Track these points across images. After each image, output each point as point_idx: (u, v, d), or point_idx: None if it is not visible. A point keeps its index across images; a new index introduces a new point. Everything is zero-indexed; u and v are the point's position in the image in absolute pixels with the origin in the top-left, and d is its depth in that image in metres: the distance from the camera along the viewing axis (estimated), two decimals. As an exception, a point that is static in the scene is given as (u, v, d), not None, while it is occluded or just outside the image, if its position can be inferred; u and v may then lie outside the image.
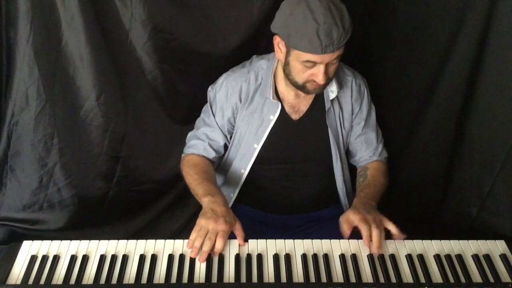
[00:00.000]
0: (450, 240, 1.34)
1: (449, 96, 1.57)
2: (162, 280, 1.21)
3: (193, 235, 1.29)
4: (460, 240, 1.35)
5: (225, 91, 1.55)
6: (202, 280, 1.21)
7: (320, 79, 1.37)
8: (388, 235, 1.34)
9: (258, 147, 1.57)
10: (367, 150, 1.65)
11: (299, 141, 1.58)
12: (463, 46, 1.46)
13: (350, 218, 1.35)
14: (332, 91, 1.53)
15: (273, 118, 1.54)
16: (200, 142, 1.60)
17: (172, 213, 1.94)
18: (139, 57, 1.58)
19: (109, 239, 1.32)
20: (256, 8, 1.59)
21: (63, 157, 1.64)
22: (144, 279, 1.21)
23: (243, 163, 1.60)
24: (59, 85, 1.55)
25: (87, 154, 1.67)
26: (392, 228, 1.34)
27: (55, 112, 1.58)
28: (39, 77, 1.51)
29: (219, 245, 1.27)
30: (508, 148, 1.41)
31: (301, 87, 1.44)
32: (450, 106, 1.58)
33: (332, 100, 1.55)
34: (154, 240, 1.32)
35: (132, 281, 1.21)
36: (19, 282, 1.20)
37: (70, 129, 1.62)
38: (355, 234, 1.36)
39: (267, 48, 1.71)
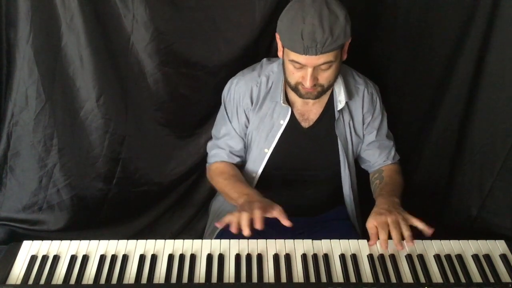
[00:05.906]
0: (450, 240, 1.34)
1: (455, 98, 1.57)
2: (162, 280, 1.21)
3: (231, 222, 1.28)
4: (460, 240, 1.34)
5: (236, 96, 1.55)
6: (202, 280, 1.21)
7: (307, 83, 1.36)
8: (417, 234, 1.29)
9: (268, 152, 1.56)
10: (381, 155, 1.64)
11: (308, 149, 1.58)
12: (469, 47, 1.46)
13: (370, 225, 1.31)
14: (340, 101, 1.51)
15: (284, 123, 1.53)
16: (222, 151, 1.61)
17: (173, 214, 1.93)
18: (140, 59, 1.57)
19: (109, 239, 1.32)
20: (259, 10, 1.58)
21: (63, 157, 1.64)
22: (144, 279, 1.21)
23: (255, 167, 1.60)
24: (58, 85, 1.55)
25: (86, 155, 1.66)
26: (419, 224, 1.29)
27: (55, 112, 1.57)
28: (39, 77, 1.51)
29: (256, 214, 1.25)
30: (508, 148, 1.41)
31: (294, 89, 1.44)
32: (455, 107, 1.58)
33: (341, 110, 1.53)
34: (154, 240, 1.31)
35: (132, 281, 1.21)
36: (19, 282, 1.20)
37: (69, 130, 1.62)
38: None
39: (269, 50, 1.71)
